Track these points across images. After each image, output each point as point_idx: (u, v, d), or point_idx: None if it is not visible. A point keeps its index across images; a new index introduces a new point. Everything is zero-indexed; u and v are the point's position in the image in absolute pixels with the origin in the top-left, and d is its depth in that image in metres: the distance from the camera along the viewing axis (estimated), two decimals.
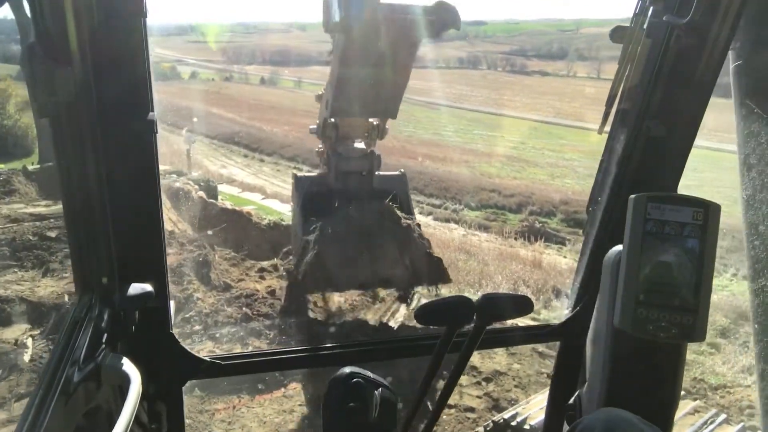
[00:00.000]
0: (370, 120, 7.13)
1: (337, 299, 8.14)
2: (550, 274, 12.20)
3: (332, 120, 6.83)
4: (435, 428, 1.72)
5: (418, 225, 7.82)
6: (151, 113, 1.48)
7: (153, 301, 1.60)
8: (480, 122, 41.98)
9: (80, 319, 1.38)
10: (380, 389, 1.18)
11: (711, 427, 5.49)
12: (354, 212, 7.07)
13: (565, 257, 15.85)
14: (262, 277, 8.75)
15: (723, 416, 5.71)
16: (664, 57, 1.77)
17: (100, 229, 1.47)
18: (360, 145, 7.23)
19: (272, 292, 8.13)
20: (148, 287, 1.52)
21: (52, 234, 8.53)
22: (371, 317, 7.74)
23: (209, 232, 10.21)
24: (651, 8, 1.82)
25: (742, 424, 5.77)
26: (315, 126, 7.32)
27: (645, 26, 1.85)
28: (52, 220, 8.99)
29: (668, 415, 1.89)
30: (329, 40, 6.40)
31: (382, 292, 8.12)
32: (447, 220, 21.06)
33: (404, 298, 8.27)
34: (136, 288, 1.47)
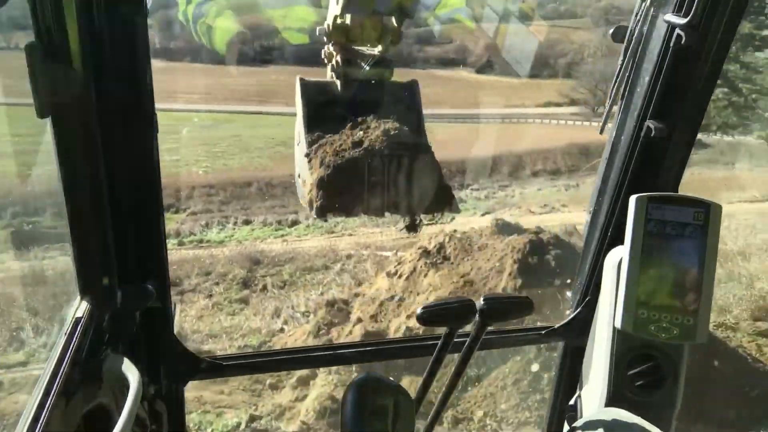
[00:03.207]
0: (385, 21, 6.96)
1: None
2: None
3: (342, 20, 6.68)
4: (435, 429, 1.72)
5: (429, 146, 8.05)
6: (151, 113, 1.48)
7: (154, 302, 1.60)
8: None
9: (81, 320, 1.38)
10: (399, 395, 1.18)
11: None
12: (360, 132, 7.27)
13: None
14: None
15: None
16: (664, 57, 1.77)
17: (102, 230, 1.47)
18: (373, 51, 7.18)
19: None
20: (149, 287, 1.52)
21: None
22: None
23: None
24: (651, 8, 1.82)
25: None
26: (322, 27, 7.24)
27: (645, 26, 1.85)
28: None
29: (669, 415, 1.88)
30: None
31: None
32: None
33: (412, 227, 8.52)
34: (137, 288, 1.47)
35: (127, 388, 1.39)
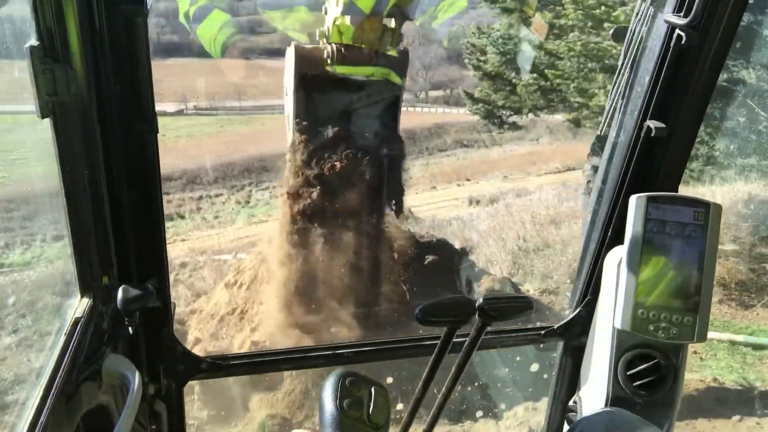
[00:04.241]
0: (384, 22, 6.84)
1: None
2: None
3: (341, 21, 6.67)
4: (435, 429, 1.71)
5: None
6: (152, 113, 1.48)
7: (154, 301, 1.60)
8: None
9: (80, 320, 1.38)
10: (373, 387, 1.20)
11: None
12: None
13: None
14: None
15: None
16: (664, 57, 1.77)
17: (101, 229, 1.47)
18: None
19: None
20: (149, 287, 1.52)
21: None
22: None
23: None
24: (651, 8, 1.82)
25: None
26: (322, 29, 7.20)
27: (645, 26, 1.85)
28: None
29: (669, 415, 1.89)
30: None
31: None
32: None
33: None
34: (136, 288, 1.47)
35: (127, 388, 1.39)
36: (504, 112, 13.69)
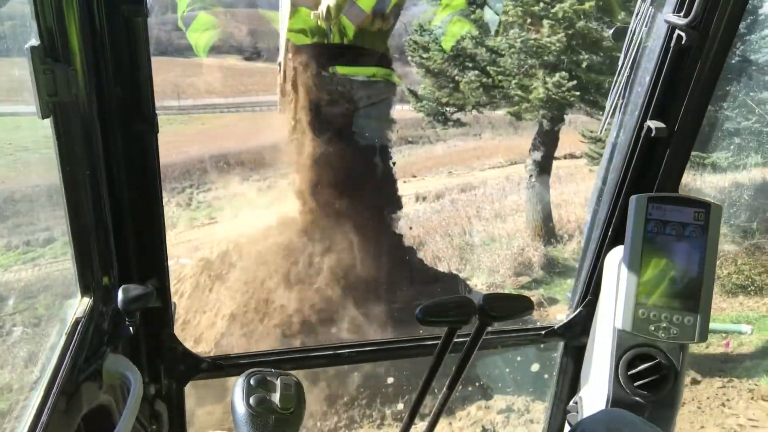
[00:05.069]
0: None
1: None
2: None
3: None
4: (435, 430, 1.72)
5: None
6: (152, 113, 1.48)
7: (154, 301, 1.60)
8: None
9: (81, 320, 1.38)
10: (279, 378, 1.23)
11: None
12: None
13: None
14: None
15: None
16: (664, 57, 1.77)
17: (101, 229, 1.47)
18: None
19: None
20: (149, 287, 1.52)
21: None
22: None
23: None
24: (651, 8, 1.82)
25: None
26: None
27: (646, 26, 1.85)
28: None
29: (670, 415, 1.89)
30: None
31: None
32: None
33: None
34: (137, 288, 1.47)
35: (128, 388, 1.39)
36: (448, 109, 13.80)
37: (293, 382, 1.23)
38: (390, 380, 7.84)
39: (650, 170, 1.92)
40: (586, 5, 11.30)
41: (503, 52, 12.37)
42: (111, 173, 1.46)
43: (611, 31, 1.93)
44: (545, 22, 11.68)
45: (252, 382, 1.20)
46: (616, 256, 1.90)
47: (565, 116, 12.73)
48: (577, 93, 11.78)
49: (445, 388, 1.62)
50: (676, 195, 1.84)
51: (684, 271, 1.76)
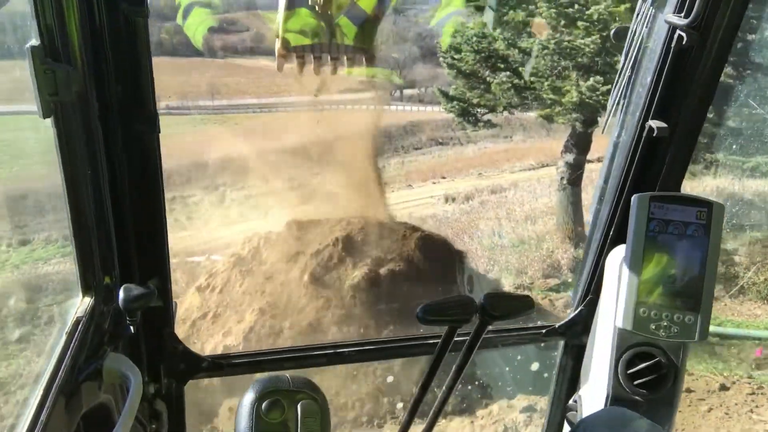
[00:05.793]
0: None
1: None
2: None
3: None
4: (435, 429, 1.72)
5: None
6: (153, 113, 1.48)
7: (155, 301, 1.60)
8: None
9: (82, 319, 1.38)
10: (299, 404, 1.04)
11: None
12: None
13: None
14: None
15: None
16: (665, 57, 1.77)
17: (103, 229, 1.47)
18: None
19: None
20: (150, 287, 1.52)
21: None
22: None
23: None
24: (652, 8, 1.82)
25: None
26: None
27: (646, 26, 1.85)
28: None
29: (670, 413, 1.89)
30: None
31: None
32: None
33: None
34: (138, 287, 1.47)
35: (128, 387, 1.39)
36: (478, 110, 13.79)
37: (315, 408, 1.03)
38: (390, 379, 7.86)
39: (652, 170, 1.92)
40: (621, 7, 11.14)
41: (536, 54, 12.28)
42: (113, 173, 1.46)
43: (612, 32, 1.93)
44: (579, 23, 11.56)
45: (263, 410, 1.02)
46: (617, 255, 1.90)
47: (598, 119, 12.51)
48: None
49: (445, 387, 1.62)
50: (678, 194, 1.84)
51: (685, 270, 1.76)
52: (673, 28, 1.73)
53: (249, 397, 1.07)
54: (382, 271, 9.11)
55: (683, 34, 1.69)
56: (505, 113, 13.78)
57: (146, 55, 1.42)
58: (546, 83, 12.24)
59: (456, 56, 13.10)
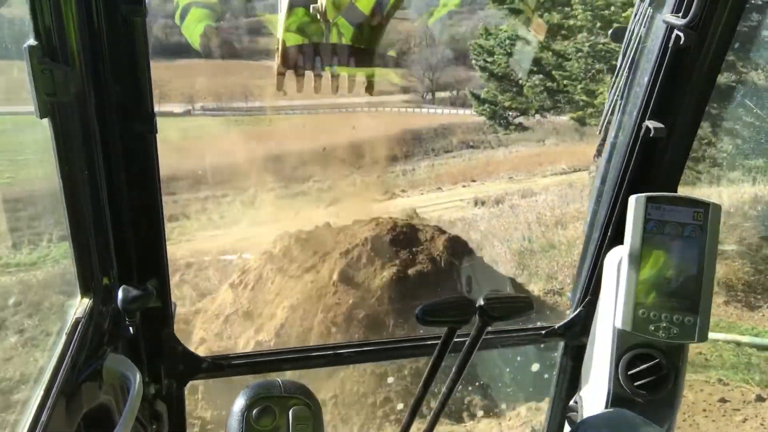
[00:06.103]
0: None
1: None
2: None
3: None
4: (435, 429, 1.71)
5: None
6: (151, 113, 1.49)
7: (154, 301, 1.60)
8: None
9: (81, 320, 1.39)
10: (291, 410, 1.03)
11: None
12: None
13: None
14: None
15: None
16: (663, 57, 1.77)
17: (102, 230, 1.47)
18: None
19: None
20: (149, 287, 1.52)
21: None
22: None
23: None
24: (650, 8, 1.82)
25: None
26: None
27: (644, 26, 1.85)
28: None
29: (670, 415, 1.88)
30: None
31: None
32: None
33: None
34: (137, 288, 1.47)
35: (128, 387, 1.39)
36: (510, 113, 13.75)
37: (307, 413, 1.03)
38: (390, 380, 7.86)
39: (649, 170, 1.92)
40: None
41: (570, 56, 12.18)
42: (110, 173, 1.47)
43: (610, 32, 1.93)
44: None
45: (254, 417, 1.02)
46: (615, 256, 1.90)
47: None
48: None
49: (445, 388, 1.62)
50: (675, 195, 1.84)
51: (683, 270, 1.76)
52: (670, 28, 1.73)
53: (239, 403, 1.06)
54: (411, 271, 9.14)
55: (681, 34, 1.70)
56: (537, 116, 13.68)
57: (144, 55, 1.42)
58: (579, 86, 12.19)
59: (489, 59, 13.07)
